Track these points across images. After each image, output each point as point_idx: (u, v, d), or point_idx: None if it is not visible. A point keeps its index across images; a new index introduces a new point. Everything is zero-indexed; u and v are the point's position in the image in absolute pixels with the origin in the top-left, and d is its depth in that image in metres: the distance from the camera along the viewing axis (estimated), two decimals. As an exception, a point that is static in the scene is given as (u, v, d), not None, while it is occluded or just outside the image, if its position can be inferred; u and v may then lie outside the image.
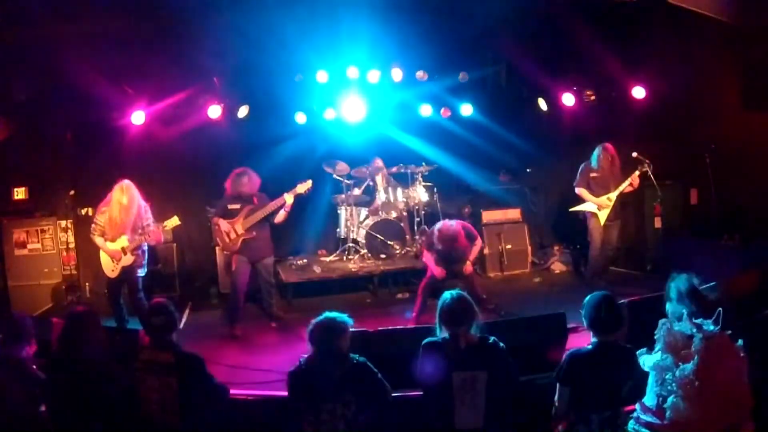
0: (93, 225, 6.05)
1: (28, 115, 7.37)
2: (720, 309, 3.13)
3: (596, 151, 7.03)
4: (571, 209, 7.37)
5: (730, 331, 3.13)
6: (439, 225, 6.23)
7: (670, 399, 3.05)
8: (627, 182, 6.90)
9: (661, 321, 3.32)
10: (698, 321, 3.16)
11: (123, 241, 5.95)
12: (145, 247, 6.19)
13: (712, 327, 3.12)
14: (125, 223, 5.94)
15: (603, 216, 7.01)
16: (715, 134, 7.51)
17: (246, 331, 6.36)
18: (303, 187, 6.38)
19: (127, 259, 5.98)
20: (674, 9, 6.16)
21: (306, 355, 3.42)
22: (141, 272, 6.14)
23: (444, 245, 6.08)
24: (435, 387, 3.41)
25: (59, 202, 7.83)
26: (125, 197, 5.94)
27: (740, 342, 3.17)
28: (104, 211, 6.01)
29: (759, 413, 3.10)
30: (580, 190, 7.14)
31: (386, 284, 7.76)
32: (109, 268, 6.04)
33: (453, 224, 6.17)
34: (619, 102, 8.34)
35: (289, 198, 6.21)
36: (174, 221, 6.27)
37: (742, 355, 3.12)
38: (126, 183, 6.00)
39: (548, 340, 4.61)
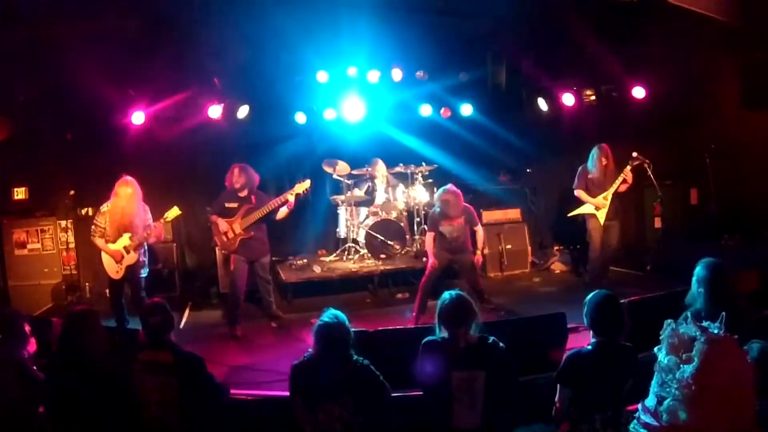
0: (93, 227, 6.03)
1: (28, 115, 7.36)
2: (723, 313, 3.09)
3: (593, 152, 7.06)
4: (569, 214, 7.38)
5: (737, 336, 3.08)
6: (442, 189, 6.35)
7: (666, 402, 3.02)
8: (620, 179, 6.89)
9: (667, 321, 3.29)
10: (705, 323, 3.11)
11: (125, 240, 5.95)
12: (146, 247, 6.21)
13: (717, 330, 3.06)
14: (127, 218, 5.93)
15: (601, 216, 7.02)
16: (714, 134, 7.52)
17: (246, 331, 6.36)
18: (301, 187, 6.40)
19: (131, 258, 5.98)
20: (674, 9, 6.18)
21: (311, 350, 3.41)
22: (143, 272, 6.16)
23: (443, 205, 6.14)
24: (434, 386, 3.42)
25: (59, 202, 7.82)
26: (128, 189, 5.92)
27: (757, 346, 3.13)
28: (104, 212, 6.00)
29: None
30: (579, 193, 7.16)
31: (386, 284, 7.76)
32: (113, 269, 6.02)
33: (460, 195, 6.25)
34: (619, 102, 8.35)
35: (290, 197, 6.25)
36: (174, 212, 6.20)
37: (748, 360, 3.07)
38: (127, 178, 6.00)
39: (548, 340, 4.61)
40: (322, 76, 8.07)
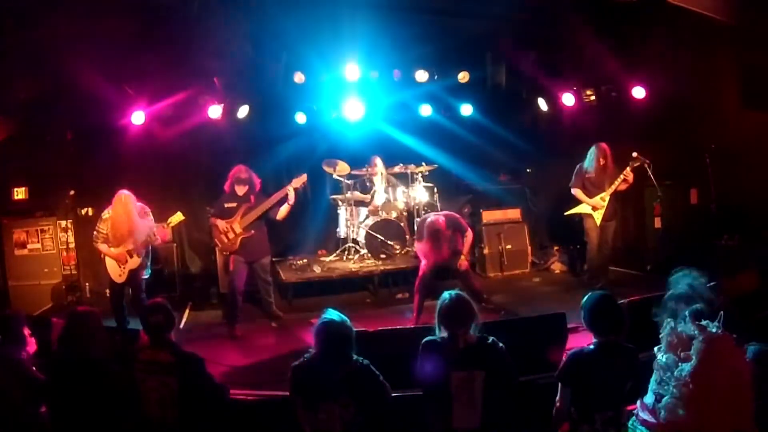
0: (95, 233, 6.04)
1: (28, 115, 7.36)
2: (722, 312, 3.08)
3: (591, 151, 7.06)
4: (566, 213, 7.38)
5: (735, 335, 3.07)
6: (430, 217, 6.20)
7: (664, 400, 3.02)
8: (620, 179, 6.88)
9: (667, 319, 3.30)
10: (704, 322, 3.10)
11: (128, 245, 5.96)
12: (149, 248, 6.22)
13: (715, 329, 3.06)
14: (126, 233, 5.96)
15: (598, 216, 7.02)
16: (714, 134, 7.51)
17: (246, 331, 6.37)
18: (298, 182, 6.47)
19: (134, 262, 6.00)
20: (674, 9, 6.17)
21: (311, 351, 3.41)
22: (145, 274, 6.17)
23: (430, 238, 6.04)
24: (433, 386, 3.42)
25: (59, 202, 7.82)
26: (122, 210, 5.93)
27: (753, 348, 3.12)
28: (106, 219, 6.01)
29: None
30: (575, 191, 7.16)
31: (386, 284, 7.77)
32: (117, 273, 6.03)
33: (439, 217, 6.12)
34: (619, 102, 8.34)
35: (290, 191, 6.28)
36: (178, 217, 6.24)
37: (746, 359, 3.06)
38: (123, 194, 5.97)
39: (548, 340, 4.61)
40: (321, 76, 8.07)
